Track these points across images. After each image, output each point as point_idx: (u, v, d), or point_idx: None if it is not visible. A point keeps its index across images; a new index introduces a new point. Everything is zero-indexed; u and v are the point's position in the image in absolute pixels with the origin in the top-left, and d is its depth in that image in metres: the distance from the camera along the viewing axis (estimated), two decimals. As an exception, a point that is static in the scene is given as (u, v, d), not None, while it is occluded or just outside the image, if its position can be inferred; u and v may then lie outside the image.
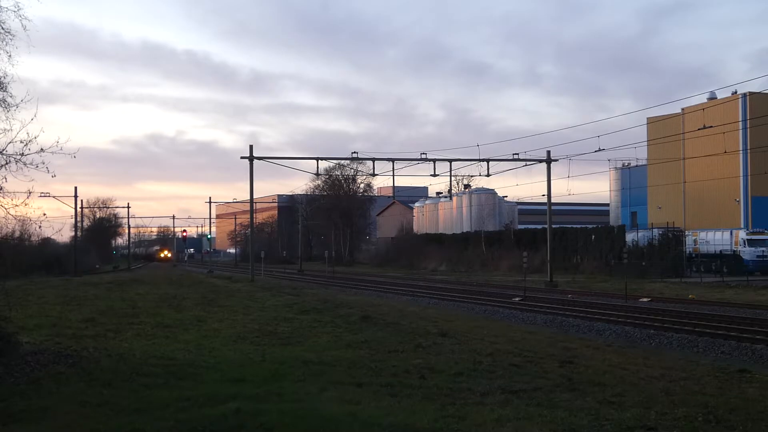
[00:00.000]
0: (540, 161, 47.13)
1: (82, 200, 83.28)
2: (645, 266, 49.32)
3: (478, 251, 73.33)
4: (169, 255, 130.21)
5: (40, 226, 15.78)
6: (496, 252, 70.25)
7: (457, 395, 10.21)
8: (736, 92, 59.71)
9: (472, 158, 48.19)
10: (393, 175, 47.47)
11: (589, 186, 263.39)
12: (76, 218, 79.77)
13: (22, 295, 27.70)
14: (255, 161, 48.46)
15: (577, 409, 9.31)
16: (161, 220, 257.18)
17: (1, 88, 12.84)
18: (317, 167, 49.09)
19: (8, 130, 12.41)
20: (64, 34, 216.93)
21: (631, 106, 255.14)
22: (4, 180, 12.64)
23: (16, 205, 13.29)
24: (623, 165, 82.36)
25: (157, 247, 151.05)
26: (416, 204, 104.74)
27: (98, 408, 9.30)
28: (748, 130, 58.77)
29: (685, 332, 20.23)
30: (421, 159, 45.83)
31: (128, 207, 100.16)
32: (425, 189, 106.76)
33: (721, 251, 50.67)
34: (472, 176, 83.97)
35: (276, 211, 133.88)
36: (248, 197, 52.12)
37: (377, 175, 49.24)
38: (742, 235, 50.32)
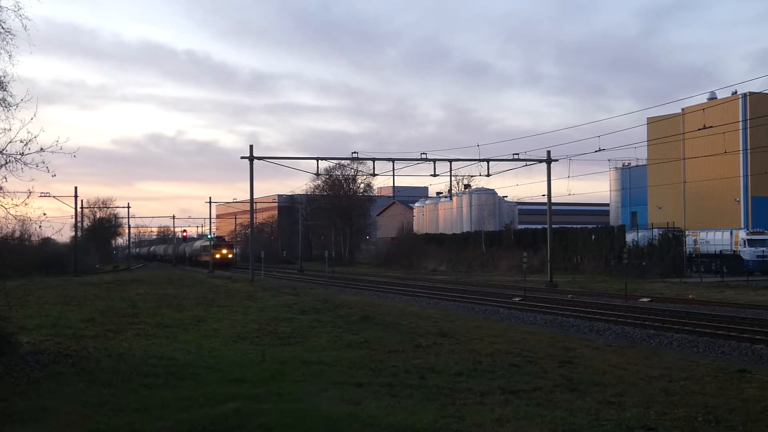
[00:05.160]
0: (540, 161, 47.12)
1: (82, 200, 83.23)
2: (645, 266, 49.32)
3: (478, 251, 73.33)
4: (230, 255, 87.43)
5: (40, 226, 15.81)
6: (496, 252, 70.26)
7: (457, 395, 10.22)
8: (736, 92, 59.72)
9: (472, 158, 48.28)
10: (393, 175, 47.48)
11: (589, 186, 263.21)
12: (76, 218, 79.82)
13: (22, 295, 27.68)
14: (255, 161, 48.46)
15: (577, 410, 9.31)
16: (161, 220, 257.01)
17: (2, 88, 12.87)
18: (317, 167, 49.15)
19: (8, 130, 12.45)
20: (64, 34, 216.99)
21: (631, 106, 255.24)
22: (4, 180, 12.68)
23: (16, 205, 13.31)
24: (623, 165, 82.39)
25: (207, 242, 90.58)
26: (416, 204, 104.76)
27: (98, 408, 9.31)
28: (748, 130, 58.77)
29: (685, 332, 20.24)
30: (421, 159, 45.83)
31: (128, 207, 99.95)
32: (425, 189, 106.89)
33: (721, 251, 50.69)
34: (472, 176, 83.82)
35: (276, 211, 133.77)
36: (248, 197, 52.14)
37: (377, 175, 49.20)
38: (742, 235, 50.33)
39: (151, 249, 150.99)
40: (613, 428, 8.47)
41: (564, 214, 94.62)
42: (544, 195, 49.08)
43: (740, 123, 57.03)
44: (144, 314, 22.53)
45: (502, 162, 47.47)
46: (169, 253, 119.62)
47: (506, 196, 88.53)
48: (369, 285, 46.62)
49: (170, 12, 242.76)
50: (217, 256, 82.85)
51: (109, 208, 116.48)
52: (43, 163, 12.44)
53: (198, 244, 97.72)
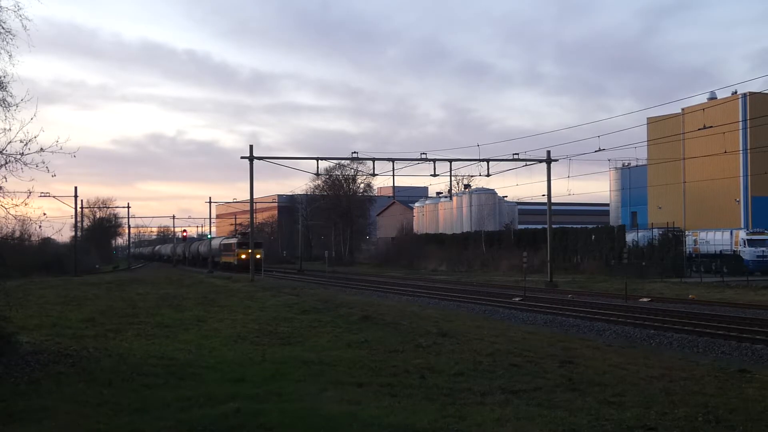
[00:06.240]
0: (540, 161, 47.12)
1: (82, 200, 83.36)
2: (645, 266, 49.31)
3: (478, 251, 73.35)
4: (258, 256, 62.11)
5: (40, 226, 15.85)
6: (496, 252, 70.27)
7: (457, 395, 10.22)
8: (736, 92, 59.71)
9: (472, 158, 48.34)
10: (393, 175, 47.57)
11: (589, 186, 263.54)
12: (76, 218, 79.89)
13: (22, 295, 27.60)
14: (255, 161, 48.50)
15: (577, 409, 9.31)
16: (161, 220, 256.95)
17: (2, 88, 12.88)
18: (317, 167, 49.20)
19: (8, 130, 12.47)
20: (64, 34, 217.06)
21: (631, 106, 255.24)
22: (4, 180, 12.71)
23: (16, 205, 13.34)
24: (623, 165, 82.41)
25: (231, 240, 79.12)
26: (416, 204, 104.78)
27: (98, 408, 9.31)
28: (748, 130, 58.77)
29: (685, 332, 20.24)
30: (421, 159, 45.87)
31: (128, 207, 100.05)
32: (425, 189, 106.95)
33: (721, 251, 50.69)
34: (472, 176, 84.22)
35: (276, 211, 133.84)
36: (248, 197, 52.17)
37: (377, 175, 49.33)
38: (742, 235, 50.32)
39: (156, 248, 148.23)
40: (613, 428, 8.46)
41: (564, 214, 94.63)
42: (544, 195, 49.13)
43: (740, 123, 57.02)
44: (144, 314, 22.53)
45: (502, 162, 47.52)
46: (178, 253, 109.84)
47: (506, 196, 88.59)
48: (369, 285, 46.62)
49: (170, 12, 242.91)
50: (243, 256, 68.02)
51: (109, 208, 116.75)
52: (43, 163, 12.48)
53: (218, 242, 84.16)
